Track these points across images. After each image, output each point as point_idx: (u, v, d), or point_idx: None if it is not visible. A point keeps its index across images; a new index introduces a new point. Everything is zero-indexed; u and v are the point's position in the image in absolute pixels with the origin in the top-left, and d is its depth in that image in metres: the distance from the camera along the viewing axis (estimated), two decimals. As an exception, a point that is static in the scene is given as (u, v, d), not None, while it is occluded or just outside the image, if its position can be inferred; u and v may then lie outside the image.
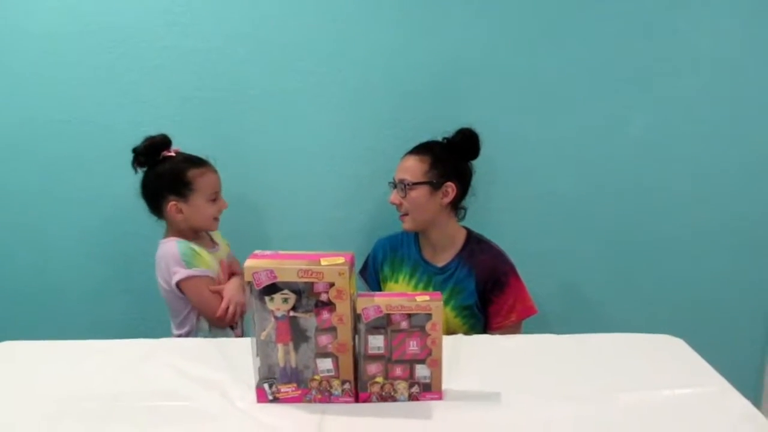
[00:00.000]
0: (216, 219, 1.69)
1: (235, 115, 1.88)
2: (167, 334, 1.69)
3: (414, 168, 1.65)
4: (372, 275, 1.83)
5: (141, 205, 1.80)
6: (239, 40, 1.82)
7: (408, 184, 1.65)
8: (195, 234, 1.71)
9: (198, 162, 1.64)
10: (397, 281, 1.77)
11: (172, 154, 1.65)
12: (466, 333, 1.62)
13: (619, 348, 1.39)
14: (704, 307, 2.03)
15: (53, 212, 1.95)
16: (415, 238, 1.77)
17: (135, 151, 1.63)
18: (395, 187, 1.68)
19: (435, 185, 1.65)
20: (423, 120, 1.86)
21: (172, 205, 1.63)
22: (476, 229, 1.78)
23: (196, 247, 1.67)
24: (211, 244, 1.76)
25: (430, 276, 1.72)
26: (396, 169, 1.69)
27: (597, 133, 1.91)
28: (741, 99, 1.88)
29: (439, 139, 1.71)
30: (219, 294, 1.65)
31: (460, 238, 1.73)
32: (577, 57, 1.84)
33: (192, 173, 1.63)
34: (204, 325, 1.70)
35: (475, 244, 1.72)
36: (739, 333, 2.06)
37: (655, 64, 1.85)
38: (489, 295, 1.68)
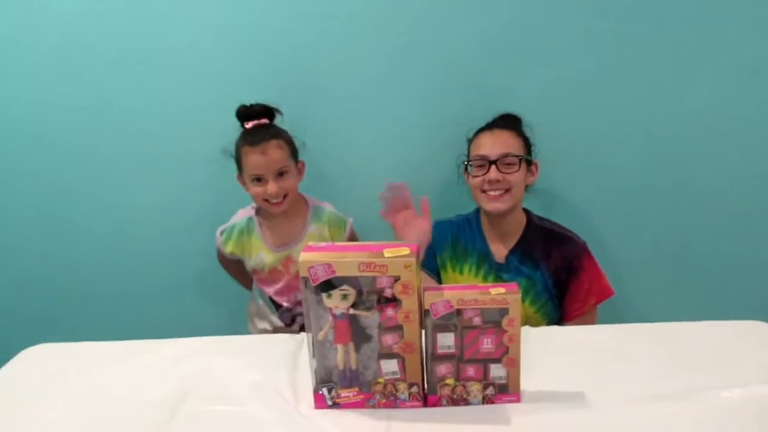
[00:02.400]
0: (269, 202, 1.60)
1: (286, 94, 1.73)
2: (209, 332, 1.60)
3: (514, 143, 1.55)
4: (431, 259, 1.67)
5: (176, 195, 1.73)
6: (277, 13, 1.70)
7: (520, 158, 1.53)
8: (270, 215, 1.67)
9: (251, 141, 1.57)
10: (462, 272, 1.63)
11: (249, 125, 1.60)
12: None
13: (703, 337, 1.26)
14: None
15: (84, 206, 1.86)
16: (477, 225, 1.64)
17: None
18: (491, 163, 1.52)
19: (529, 163, 1.57)
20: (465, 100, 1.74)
21: (238, 176, 1.65)
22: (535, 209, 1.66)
23: (255, 233, 1.68)
24: (292, 236, 1.69)
25: (497, 271, 1.60)
26: (480, 144, 1.57)
27: (657, 105, 1.75)
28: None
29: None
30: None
31: (523, 222, 1.61)
32: (635, 25, 1.68)
33: (242, 150, 1.59)
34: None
35: (537, 229, 1.60)
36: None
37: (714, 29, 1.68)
38: (565, 282, 1.56)
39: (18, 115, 1.79)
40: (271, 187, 1.57)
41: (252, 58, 1.74)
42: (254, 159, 1.57)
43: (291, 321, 1.74)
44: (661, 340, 1.24)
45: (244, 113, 1.61)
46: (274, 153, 1.57)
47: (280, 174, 1.58)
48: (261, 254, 1.68)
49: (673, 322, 1.30)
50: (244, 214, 1.72)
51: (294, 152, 1.64)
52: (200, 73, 1.75)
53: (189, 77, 1.75)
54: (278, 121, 1.64)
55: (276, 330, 1.73)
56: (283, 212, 1.63)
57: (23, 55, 1.74)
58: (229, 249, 1.70)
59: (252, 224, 1.69)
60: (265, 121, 1.61)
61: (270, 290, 1.72)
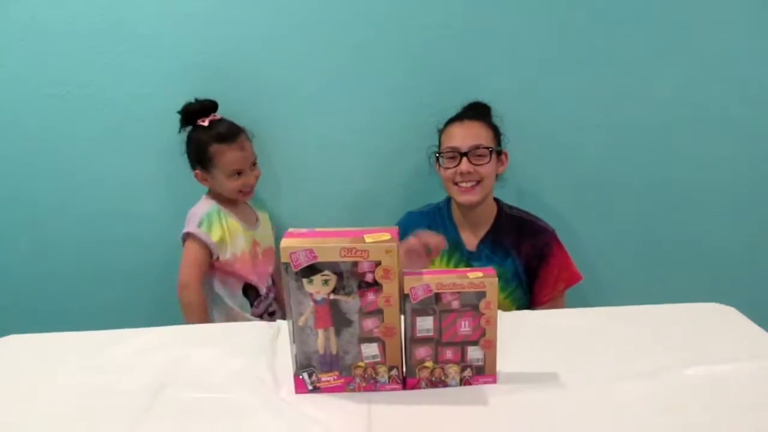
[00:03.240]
0: (243, 192, 1.68)
1: (254, 87, 1.76)
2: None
3: (484, 134, 1.57)
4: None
5: (145, 185, 1.71)
6: (242, 5, 1.69)
7: (490, 149, 1.55)
8: (232, 203, 1.69)
9: (224, 137, 1.60)
10: (433, 263, 1.65)
11: (205, 123, 1.61)
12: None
13: (669, 319, 1.30)
14: (740, 273, 1.95)
15: (49, 196, 1.82)
16: (448, 214, 1.67)
17: (179, 113, 1.64)
18: (462, 155, 1.54)
19: (499, 153, 1.59)
20: (432, 92, 1.77)
21: (197, 173, 1.67)
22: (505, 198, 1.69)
23: (229, 217, 1.67)
24: (253, 220, 1.77)
25: (467, 260, 1.63)
26: (451, 136, 1.58)
27: (622, 93, 1.80)
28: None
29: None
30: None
31: (494, 211, 1.65)
32: (598, 9, 1.73)
33: (213, 149, 1.61)
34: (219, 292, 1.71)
35: (507, 218, 1.63)
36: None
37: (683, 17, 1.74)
38: (535, 269, 1.60)
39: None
40: (251, 178, 1.66)
41: (214, 49, 1.73)
42: (233, 155, 1.61)
43: (267, 312, 1.73)
44: (629, 323, 1.28)
45: (195, 110, 1.63)
46: (247, 146, 1.65)
47: (253, 164, 1.68)
48: (239, 235, 1.69)
49: (641, 306, 1.35)
50: (204, 206, 1.69)
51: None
52: (168, 60, 1.73)
53: (154, 66, 1.74)
54: (252, 123, 1.71)
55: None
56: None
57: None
58: (216, 233, 1.66)
59: (222, 210, 1.71)
60: (219, 115, 1.65)
61: (249, 276, 1.71)
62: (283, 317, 1.42)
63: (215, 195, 1.71)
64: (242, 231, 1.71)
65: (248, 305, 1.74)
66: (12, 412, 1.04)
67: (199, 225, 1.66)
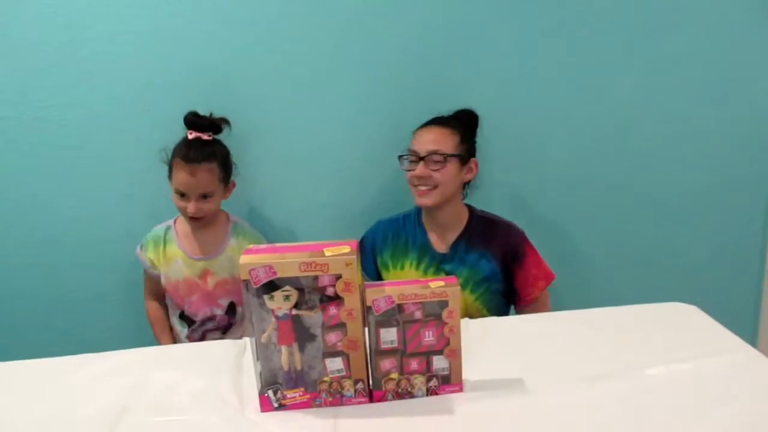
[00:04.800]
0: (191, 218, 1.61)
1: (219, 101, 1.71)
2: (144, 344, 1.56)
3: (446, 140, 1.57)
4: (369, 261, 1.71)
5: (105, 205, 1.67)
6: (201, 20, 1.68)
7: (446, 155, 1.55)
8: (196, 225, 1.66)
9: (185, 155, 1.56)
10: (402, 268, 1.66)
11: (190, 136, 1.58)
12: (487, 316, 1.59)
13: (632, 320, 1.33)
14: (701, 271, 1.99)
15: (7, 215, 1.78)
16: (417, 220, 1.67)
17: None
18: (420, 159, 1.56)
19: (464, 160, 1.59)
20: (410, 101, 1.77)
21: (169, 178, 1.62)
22: (476, 204, 1.71)
23: (173, 242, 1.65)
24: (211, 249, 1.68)
25: (439, 262, 1.64)
26: (415, 140, 1.60)
27: (585, 96, 1.83)
28: (730, 56, 1.83)
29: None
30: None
31: (465, 216, 1.66)
32: (559, 19, 1.77)
33: (173, 161, 1.59)
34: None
35: (479, 221, 1.65)
36: (731, 294, 2.04)
37: (640, 21, 1.79)
38: (511, 270, 1.63)
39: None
40: (191, 207, 1.58)
41: (177, 64, 1.71)
42: (182, 176, 1.56)
43: (201, 338, 1.70)
44: (592, 325, 1.30)
45: (192, 121, 1.59)
46: (202, 176, 1.56)
47: (204, 196, 1.59)
48: (178, 261, 1.66)
49: (604, 308, 1.37)
50: (161, 225, 1.72)
51: (225, 175, 1.64)
52: (125, 80, 1.71)
53: (112, 84, 1.71)
54: (224, 133, 1.65)
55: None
56: (201, 226, 1.66)
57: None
58: (149, 254, 1.68)
59: (170, 233, 1.69)
60: (207, 136, 1.60)
61: (183, 304, 1.69)
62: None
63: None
64: (183, 258, 1.66)
65: (186, 328, 1.71)
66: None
67: (142, 244, 1.71)
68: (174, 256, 1.67)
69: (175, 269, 1.66)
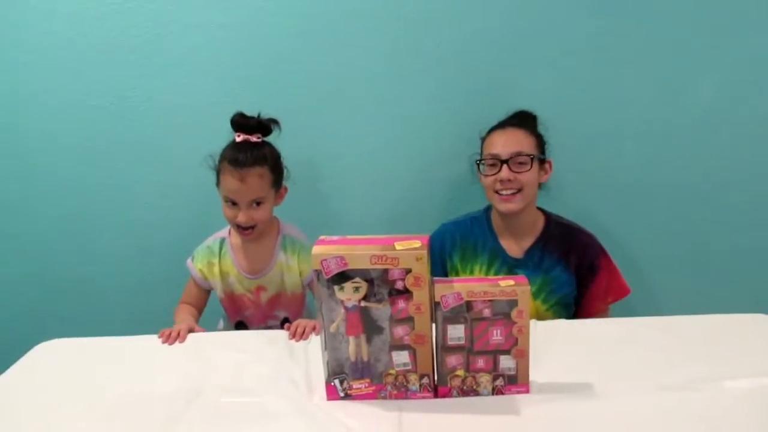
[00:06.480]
0: (239, 228, 1.51)
1: (292, 96, 1.75)
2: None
3: (527, 141, 1.53)
4: (437, 265, 1.65)
5: (182, 194, 1.72)
6: (278, 14, 1.72)
7: (532, 157, 1.51)
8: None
9: (234, 160, 1.46)
10: (472, 272, 1.60)
11: (238, 138, 1.49)
12: None
13: (711, 330, 1.28)
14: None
15: (92, 203, 1.87)
16: (487, 223, 1.63)
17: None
18: (502, 162, 1.51)
19: (542, 162, 1.56)
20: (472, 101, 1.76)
21: (217, 186, 1.54)
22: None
23: (227, 256, 1.59)
24: (260, 268, 1.59)
25: (511, 267, 1.58)
26: (492, 143, 1.55)
27: (662, 98, 1.77)
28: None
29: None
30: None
31: (540, 221, 1.60)
32: (637, 16, 1.71)
33: (221, 166, 1.50)
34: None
35: (557, 228, 1.59)
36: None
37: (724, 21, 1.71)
38: (585, 281, 1.57)
39: (30, 114, 1.79)
40: (242, 216, 1.48)
41: (252, 59, 1.74)
42: (231, 182, 1.47)
43: None
44: (667, 333, 1.26)
45: (239, 123, 1.50)
46: (253, 182, 1.47)
47: (256, 203, 1.49)
48: (231, 278, 1.60)
49: (680, 316, 1.32)
50: (217, 234, 1.63)
51: (277, 180, 1.54)
52: (205, 73, 1.76)
53: (194, 78, 1.76)
54: (274, 135, 1.55)
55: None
56: (252, 239, 1.56)
57: (33, 55, 1.74)
58: (198, 267, 1.60)
59: (225, 246, 1.61)
60: (256, 138, 1.51)
61: (239, 317, 1.67)
62: None
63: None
64: (237, 275, 1.60)
65: None
66: (51, 414, 1.07)
67: (193, 256, 1.62)
68: (228, 272, 1.60)
69: (229, 284, 1.62)
